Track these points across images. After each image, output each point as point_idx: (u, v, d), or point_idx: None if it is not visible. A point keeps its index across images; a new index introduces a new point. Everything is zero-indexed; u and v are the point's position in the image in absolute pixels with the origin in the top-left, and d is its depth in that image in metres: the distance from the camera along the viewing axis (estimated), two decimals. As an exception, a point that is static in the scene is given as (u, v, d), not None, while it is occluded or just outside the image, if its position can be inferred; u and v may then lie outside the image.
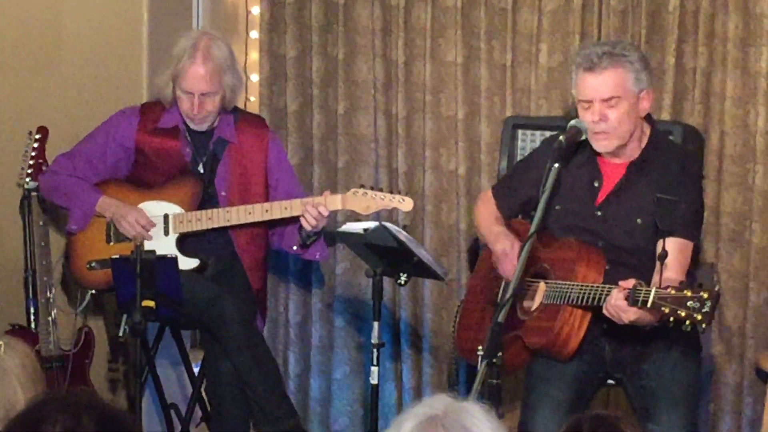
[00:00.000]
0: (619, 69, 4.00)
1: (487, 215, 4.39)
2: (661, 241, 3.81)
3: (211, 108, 4.69)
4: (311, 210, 4.59)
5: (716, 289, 3.56)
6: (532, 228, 3.76)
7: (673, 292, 3.58)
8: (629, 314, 3.72)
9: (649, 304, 3.62)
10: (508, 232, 4.24)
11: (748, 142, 4.99)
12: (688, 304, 3.54)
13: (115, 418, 2.28)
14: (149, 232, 4.69)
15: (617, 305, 3.73)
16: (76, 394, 2.29)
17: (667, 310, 3.57)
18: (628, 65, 4.01)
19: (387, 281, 4.62)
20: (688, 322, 3.55)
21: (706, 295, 3.53)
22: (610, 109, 4.00)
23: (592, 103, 4.01)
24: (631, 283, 3.70)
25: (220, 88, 4.67)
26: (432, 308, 5.37)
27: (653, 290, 3.62)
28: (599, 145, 4.05)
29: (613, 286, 3.77)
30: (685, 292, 3.56)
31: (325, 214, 4.61)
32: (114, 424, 2.27)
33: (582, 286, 3.88)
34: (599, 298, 3.82)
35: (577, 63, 4.07)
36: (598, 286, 3.84)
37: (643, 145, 4.10)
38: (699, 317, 3.53)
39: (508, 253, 4.15)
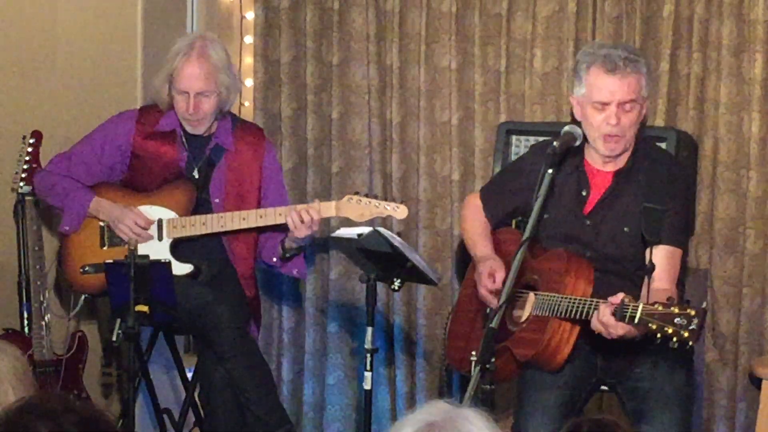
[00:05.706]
0: (638, 75, 4.00)
1: (474, 226, 4.39)
2: (648, 253, 3.80)
3: (207, 109, 4.67)
4: (300, 215, 4.57)
5: (703, 306, 3.54)
6: (526, 234, 3.72)
7: (660, 308, 3.55)
8: (618, 330, 3.70)
9: (636, 320, 3.59)
10: (493, 254, 4.25)
11: (742, 149, 4.99)
12: (675, 320, 3.51)
13: (94, 419, 2.26)
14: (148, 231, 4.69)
15: (605, 321, 3.71)
16: (50, 399, 2.27)
17: (654, 327, 3.54)
18: (643, 71, 4.03)
19: (380, 286, 4.61)
20: (675, 339, 3.51)
21: (693, 313, 3.50)
22: (624, 113, 3.99)
23: (608, 105, 3.99)
24: (619, 297, 3.68)
25: (216, 88, 4.65)
26: (425, 313, 5.36)
27: (640, 306, 3.59)
28: (608, 147, 4.03)
29: (602, 300, 3.75)
30: (672, 309, 3.52)
31: (316, 218, 4.59)
32: (94, 424, 2.26)
33: (571, 299, 3.86)
34: (587, 312, 3.80)
35: (591, 62, 4.02)
36: (586, 300, 3.82)
37: (629, 153, 4.10)
38: (686, 334, 3.50)
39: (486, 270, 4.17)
